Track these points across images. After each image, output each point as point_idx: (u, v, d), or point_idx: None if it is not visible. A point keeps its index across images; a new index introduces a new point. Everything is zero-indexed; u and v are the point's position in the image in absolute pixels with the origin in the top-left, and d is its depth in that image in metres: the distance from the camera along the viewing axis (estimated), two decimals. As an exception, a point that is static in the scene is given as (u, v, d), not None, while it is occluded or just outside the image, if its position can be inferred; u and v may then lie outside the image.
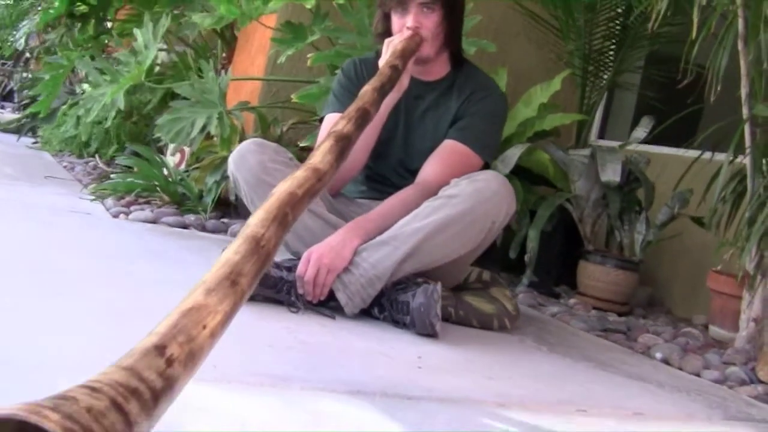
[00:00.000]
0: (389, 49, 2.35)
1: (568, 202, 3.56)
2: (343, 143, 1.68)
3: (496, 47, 3.39)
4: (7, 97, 11.77)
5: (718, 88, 2.60)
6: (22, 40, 6.15)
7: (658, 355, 2.54)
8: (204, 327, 1.03)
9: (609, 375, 2.18)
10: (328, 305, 2.22)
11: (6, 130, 7.27)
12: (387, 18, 2.48)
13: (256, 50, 4.57)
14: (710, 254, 3.09)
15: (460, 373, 1.92)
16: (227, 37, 5.17)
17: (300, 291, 2.19)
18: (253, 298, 2.14)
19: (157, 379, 0.93)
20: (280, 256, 1.96)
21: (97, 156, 5.21)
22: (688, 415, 1.91)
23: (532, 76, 4.14)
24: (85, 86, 4.65)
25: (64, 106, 5.34)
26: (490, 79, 2.61)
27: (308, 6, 2.94)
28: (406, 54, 2.31)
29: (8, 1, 7.35)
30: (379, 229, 2.29)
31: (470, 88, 2.53)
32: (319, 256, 2.19)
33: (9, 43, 7.45)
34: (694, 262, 3.60)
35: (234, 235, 3.19)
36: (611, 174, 3.27)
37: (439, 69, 2.56)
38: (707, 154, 2.92)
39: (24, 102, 9.00)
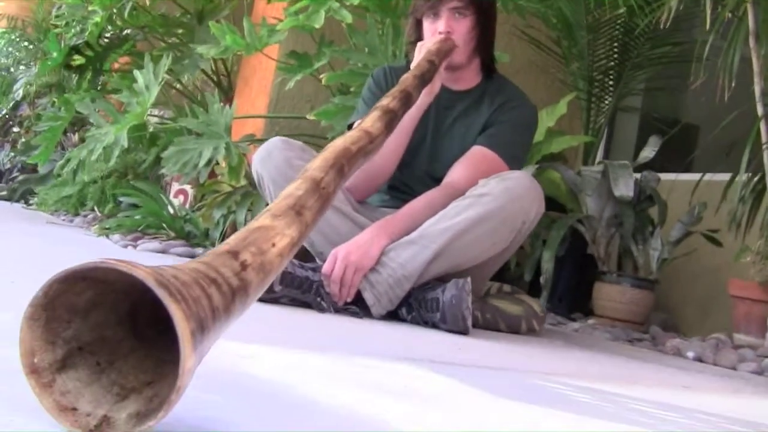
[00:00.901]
0: (422, 50, 2.30)
1: (580, 224, 3.53)
2: (390, 115, 1.61)
3: (500, 74, 3.39)
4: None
5: (732, 85, 2.61)
6: (21, 91, 6.16)
7: (690, 354, 2.49)
8: (273, 245, 1.00)
9: (647, 364, 2.13)
10: (354, 308, 2.15)
11: (-2, 198, 7.26)
12: (419, 25, 2.45)
13: (256, 93, 4.59)
14: (723, 276, 3.08)
15: (501, 355, 1.86)
16: (224, 86, 5.19)
17: (326, 290, 2.13)
18: (278, 300, 2.09)
19: (233, 277, 0.89)
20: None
21: (95, 208, 5.18)
22: (736, 390, 1.86)
23: (535, 101, 4.14)
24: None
25: (61, 161, 5.32)
26: (521, 91, 2.57)
27: (317, 26, 2.95)
28: (440, 54, 2.26)
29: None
30: (406, 229, 2.23)
31: (503, 97, 2.49)
32: (346, 254, 2.13)
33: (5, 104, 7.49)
34: (707, 284, 3.57)
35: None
36: (624, 189, 3.26)
37: (471, 78, 2.52)
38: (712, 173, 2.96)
39: (14, 175, 8.96)
